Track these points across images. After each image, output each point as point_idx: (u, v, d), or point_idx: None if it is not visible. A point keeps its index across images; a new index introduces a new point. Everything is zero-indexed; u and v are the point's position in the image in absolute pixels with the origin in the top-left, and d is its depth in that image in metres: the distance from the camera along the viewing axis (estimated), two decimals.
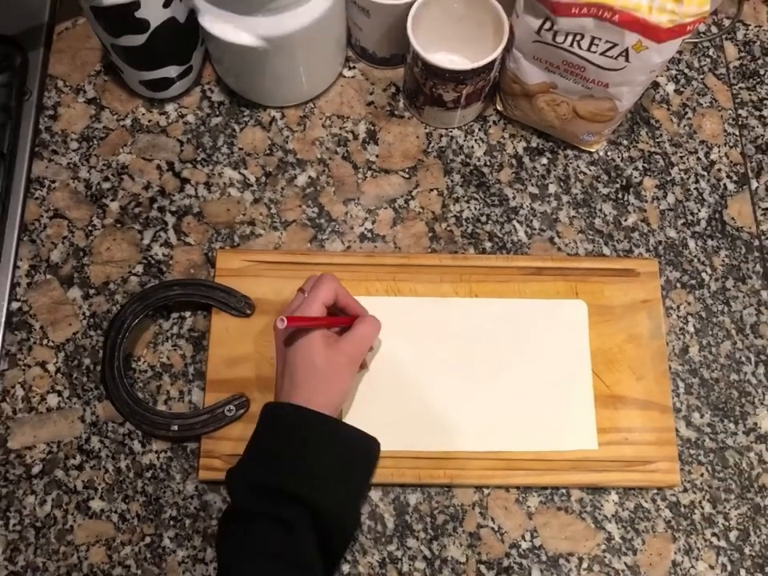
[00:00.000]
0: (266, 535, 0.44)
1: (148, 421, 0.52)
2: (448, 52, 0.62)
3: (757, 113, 0.65)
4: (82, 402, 0.55)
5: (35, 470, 0.53)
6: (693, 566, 0.52)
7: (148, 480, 0.53)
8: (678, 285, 0.59)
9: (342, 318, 0.52)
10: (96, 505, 0.52)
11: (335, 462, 0.47)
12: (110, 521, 0.52)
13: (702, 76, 0.66)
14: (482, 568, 0.52)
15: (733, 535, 0.53)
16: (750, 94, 0.65)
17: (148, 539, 0.52)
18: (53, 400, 0.55)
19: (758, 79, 0.66)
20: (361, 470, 0.49)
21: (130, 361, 0.56)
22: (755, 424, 0.56)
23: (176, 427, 0.52)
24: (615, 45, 0.50)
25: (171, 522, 0.52)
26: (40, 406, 0.54)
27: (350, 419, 0.52)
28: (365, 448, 0.50)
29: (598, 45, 0.51)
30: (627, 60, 0.51)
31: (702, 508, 0.54)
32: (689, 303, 0.59)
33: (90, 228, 0.59)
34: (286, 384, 0.49)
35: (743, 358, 0.57)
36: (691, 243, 0.60)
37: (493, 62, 0.54)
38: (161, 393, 0.55)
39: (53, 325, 0.56)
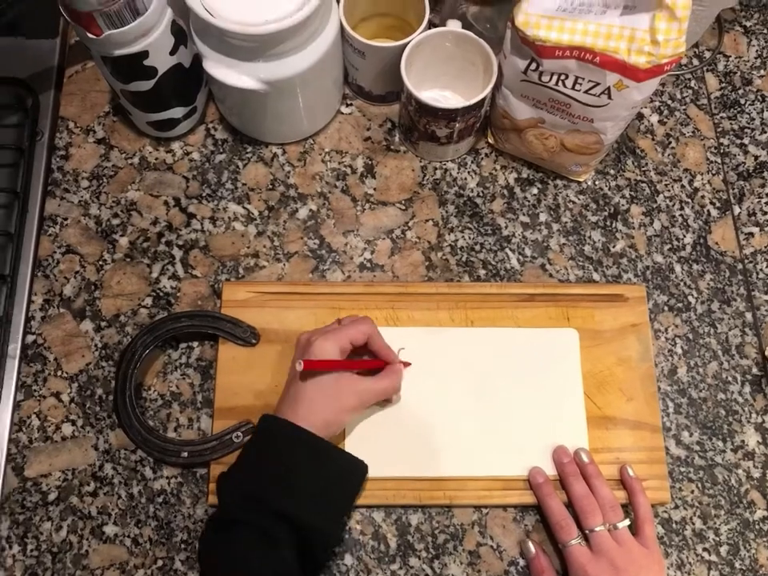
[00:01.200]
0: (250, 545, 0.46)
1: (159, 448, 0.54)
2: (440, 89, 0.65)
3: (738, 141, 0.68)
4: (95, 430, 0.57)
5: (51, 496, 0.55)
6: None
7: (159, 505, 0.55)
8: (666, 308, 0.62)
9: (364, 362, 0.54)
10: (110, 530, 0.54)
11: (325, 482, 0.49)
12: (123, 545, 0.54)
13: (684, 107, 0.68)
14: None
15: (723, 550, 0.55)
16: (731, 123, 0.68)
17: (160, 562, 0.54)
18: (67, 429, 0.57)
19: (739, 108, 0.69)
20: (348, 490, 0.52)
21: (141, 390, 0.58)
22: (742, 441, 0.58)
23: (186, 454, 0.54)
24: (597, 84, 0.53)
25: (182, 545, 0.54)
26: (55, 435, 0.57)
27: (352, 445, 0.55)
28: (353, 470, 0.52)
29: (581, 84, 0.54)
30: (609, 98, 0.54)
31: (693, 524, 0.56)
32: (676, 326, 0.61)
33: (100, 263, 0.62)
34: (290, 397, 0.51)
35: (730, 378, 0.60)
36: (677, 268, 0.63)
37: (483, 100, 0.57)
38: (171, 420, 0.57)
39: (66, 356, 0.59)
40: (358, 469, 0.52)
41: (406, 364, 0.56)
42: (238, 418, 0.55)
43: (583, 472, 0.54)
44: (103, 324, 0.60)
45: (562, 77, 0.54)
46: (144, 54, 0.54)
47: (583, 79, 0.53)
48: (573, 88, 0.54)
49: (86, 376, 0.58)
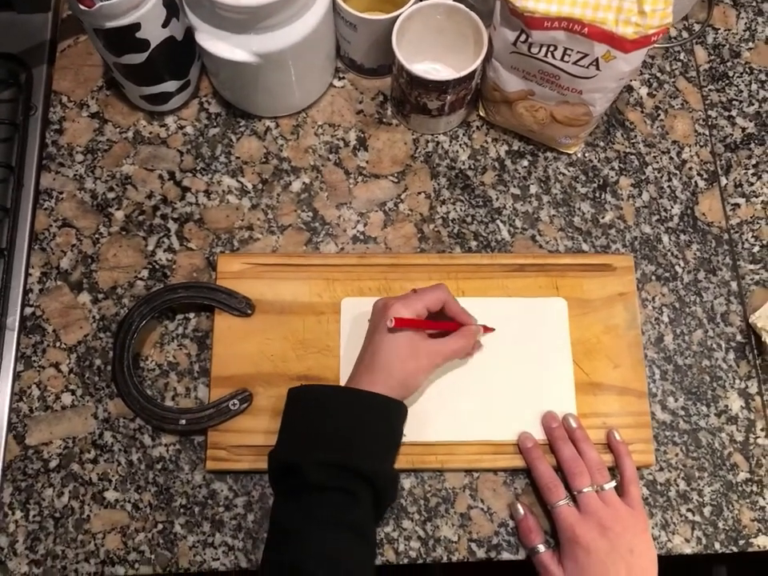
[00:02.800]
0: (339, 506, 0.48)
1: (157, 416, 0.55)
2: (432, 61, 0.65)
3: (726, 113, 0.68)
4: (94, 399, 0.58)
5: (52, 464, 0.56)
6: (669, 540, 0.56)
7: (158, 471, 0.56)
8: (653, 278, 0.63)
9: (447, 324, 0.56)
10: (110, 495, 0.56)
11: (384, 433, 0.51)
12: (124, 510, 0.56)
13: (673, 79, 0.69)
14: (473, 546, 0.56)
15: (707, 510, 0.57)
16: (719, 96, 0.69)
17: (160, 526, 0.55)
18: (67, 399, 0.58)
19: (727, 81, 0.69)
20: (400, 432, 0.54)
21: (139, 360, 0.59)
22: (726, 406, 0.59)
23: (184, 421, 0.55)
24: (586, 55, 0.54)
25: (181, 510, 0.56)
26: (55, 405, 0.58)
27: None
28: (401, 413, 0.53)
29: (570, 55, 0.54)
30: (598, 69, 0.54)
31: (677, 485, 0.57)
32: (663, 295, 0.62)
33: (96, 236, 0.62)
34: (367, 361, 0.53)
35: (714, 345, 0.61)
36: (665, 238, 0.64)
37: (473, 72, 0.58)
38: (168, 390, 0.58)
39: (65, 328, 0.60)
40: (403, 411, 0.53)
41: (488, 329, 0.58)
42: (234, 386, 0.57)
43: (571, 436, 0.55)
44: (100, 296, 0.61)
45: (551, 48, 0.54)
46: (136, 27, 0.54)
47: (572, 50, 0.54)
48: (561, 59, 0.55)
49: (85, 347, 0.59)
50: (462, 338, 0.55)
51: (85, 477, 0.56)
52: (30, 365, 0.59)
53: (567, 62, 0.55)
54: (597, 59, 0.54)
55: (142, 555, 0.55)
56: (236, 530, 0.55)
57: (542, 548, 0.53)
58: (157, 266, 0.62)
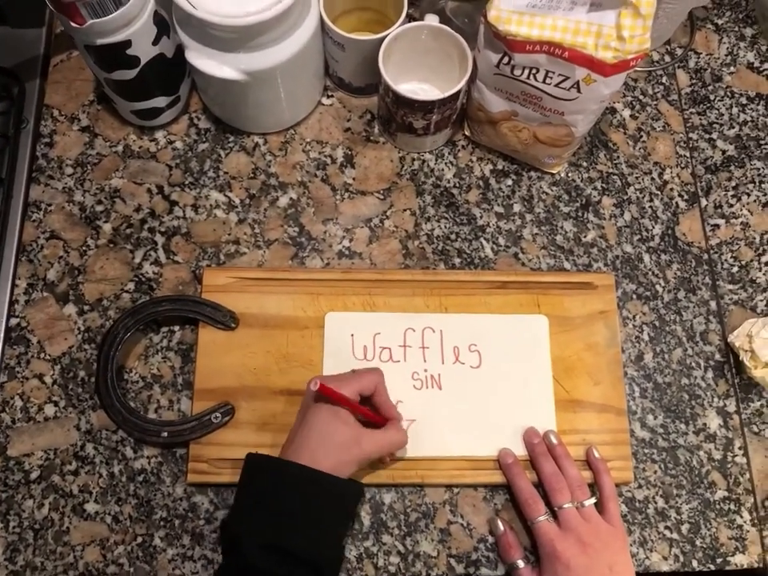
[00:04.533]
0: None
1: (139, 428, 0.56)
2: (418, 81, 0.66)
3: (706, 135, 0.70)
4: (77, 411, 0.58)
5: (33, 475, 0.57)
6: (647, 557, 0.57)
7: (140, 484, 0.57)
8: (634, 296, 0.64)
9: (372, 414, 0.53)
10: (91, 507, 0.56)
11: (339, 518, 0.50)
12: (104, 522, 0.56)
13: (655, 102, 0.71)
14: (452, 561, 0.56)
15: (685, 528, 0.57)
16: (700, 119, 0.70)
17: (140, 539, 0.55)
18: (50, 410, 0.58)
19: (708, 104, 0.71)
20: (353, 513, 0.54)
21: (123, 372, 0.59)
22: (704, 425, 0.60)
23: (166, 434, 0.55)
24: (567, 78, 0.55)
25: (162, 523, 0.56)
26: (38, 416, 0.58)
27: None
28: (357, 496, 0.52)
29: (552, 77, 0.55)
30: (579, 91, 0.56)
31: (656, 503, 0.58)
32: (644, 313, 0.63)
33: (84, 248, 0.63)
34: (297, 441, 0.50)
35: (693, 364, 0.62)
36: (646, 257, 0.65)
37: (458, 93, 0.59)
38: (151, 402, 0.59)
39: (49, 339, 0.60)
40: (359, 492, 0.52)
41: (410, 421, 0.56)
42: (217, 399, 0.57)
43: (552, 453, 0.56)
44: (86, 308, 0.61)
45: (533, 71, 0.55)
46: (127, 44, 0.55)
47: (553, 73, 0.55)
48: (544, 82, 0.56)
49: (69, 358, 0.60)
50: (399, 431, 0.54)
51: (65, 489, 0.56)
52: (14, 375, 0.59)
53: (549, 84, 0.56)
54: (578, 82, 0.55)
55: (121, 568, 0.55)
56: (216, 543, 0.55)
57: (521, 563, 0.53)
58: (143, 279, 0.62)
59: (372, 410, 0.54)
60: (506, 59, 0.56)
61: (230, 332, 0.59)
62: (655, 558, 0.56)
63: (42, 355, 0.60)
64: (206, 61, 0.57)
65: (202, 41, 0.57)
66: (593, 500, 0.54)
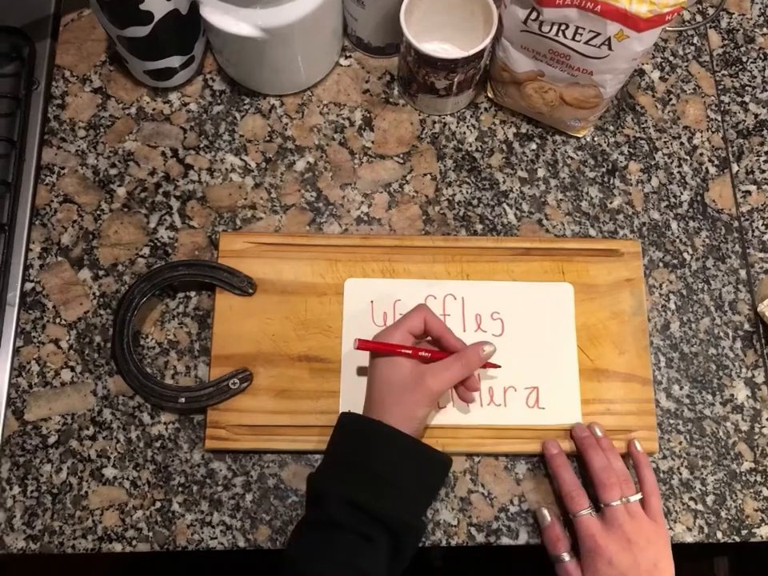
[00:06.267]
0: (351, 548, 0.46)
1: (157, 394, 0.55)
2: (440, 41, 0.64)
3: (738, 99, 0.67)
4: (93, 376, 0.58)
5: (51, 440, 0.56)
6: (671, 528, 0.56)
7: (157, 449, 0.56)
8: (661, 264, 0.62)
9: (433, 350, 0.52)
10: (109, 472, 0.56)
11: (419, 482, 0.49)
12: (122, 487, 0.55)
13: (686, 63, 0.68)
14: (473, 530, 0.55)
15: (710, 499, 0.56)
16: (732, 81, 0.68)
17: (158, 504, 0.55)
18: (66, 375, 0.58)
19: (741, 66, 0.68)
20: (437, 486, 0.53)
21: (139, 338, 0.59)
22: (732, 395, 0.59)
23: (183, 399, 0.55)
24: (598, 34, 0.52)
25: (180, 489, 0.55)
26: (54, 381, 0.57)
27: (346, 393, 0.55)
28: (443, 467, 0.51)
29: (581, 34, 0.53)
30: (610, 49, 0.53)
31: (680, 474, 0.57)
32: (671, 282, 0.61)
33: (98, 212, 0.62)
34: (368, 398, 0.51)
35: (721, 334, 0.60)
36: (674, 225, 0.63)
37: (482, 51, 0.57)
38: (168, 368, 0.58)
39: (65, 304, 0.59)
40: (446, 465, 0.52)
41: (489, 365, 0.54)
42: (235, 365, 0.56)
43: (599, 445, 0.54)
44: (101, 273, 0.60)
45: (563, 27, 0.53)
46: None
47: (584, 29, 0.53)
48: (573, 39, 0.54)
49: (85, 323, 0.59)
50: (460, 359, 0.51)
51: (83, 453, 0.56)
52: (30, 340, 0.58)
53: (578, 41, 0.54)
54: (609, 39, 0.52)
55: (140, 533, 0.54)
56: (234, 509, 0.55)
57: (566, 557, 0.51)
58: (158, 244, 0.61)
59: (436, 347, 0.52)
60: (534, 15, 0.53)
61: (248, 298, 0.58)
62: (679, 529, 0.56)
63: (58, 320, 0.59)
64: (221, 16, 0.55)
65: None
66: (638, 496, 0.52)
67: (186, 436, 0.56)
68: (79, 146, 0.64)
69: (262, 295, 0.58)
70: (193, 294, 0.60)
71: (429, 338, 0.54)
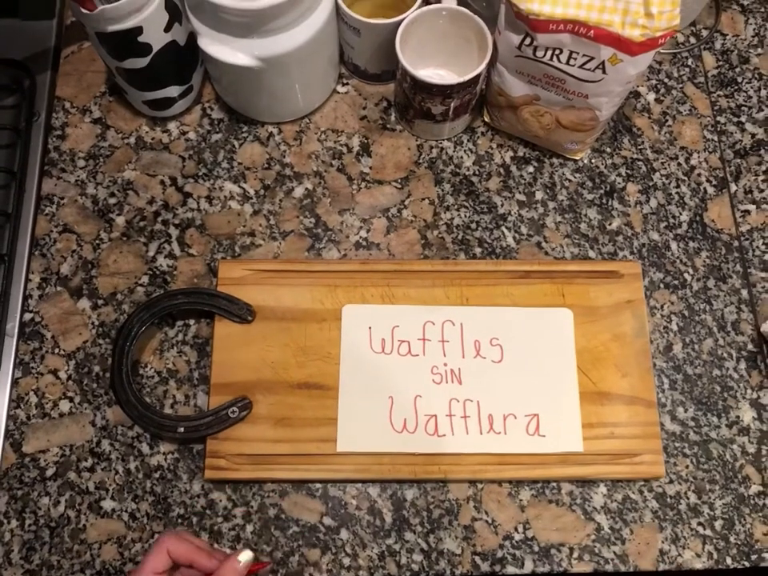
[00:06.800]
0: None
1: (155, 423, 0.54)
2: (435, 67, 0.65)
3: (735, 119, 0.67)
4: (92, 407, 0.57)
5: (49, 472, 0.56)
6: (680, 554, 0.55)
7: (156, 480, 0.55)
8: (662, 285, 0.62)
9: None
10: (107, 505, 0.55)
11: None
12: (120, 519, 0.55)
13: (681, 85, 0.68)
14: (477, 559, 0.54)
15: (718, 524, 0.55)
16: (728, 101, 0.68)
17: (157, 536, 0.54)
18: (65, 406, 0.57)
19: (736, 87, 0.69)
20: None
21: (138, 367, 0.58)
22: (737, 417, 0.58)
23: (182, 429, 0.54)
24: (592, 58, 0.53)
25: (179, 520, 0.55)
26: (53, 412, 0.57)
27: (345, 421, 0.55)
28: None
29: (576, 59, 0.53)
30: (604, 72, 0.54)
31: (688, 498, 0.56)
32: (672, 303, 0.61)
33: (97, 242, 0.62)
34: None
35: (725, 354, 0.60)
36: (673, 245, 0.63)
37: (478, 77, 0.57)
38: (167, 397, 0.57)
39: (63, 334, 0.59)
40: None
41: (255, 568, 0.47)
42: (234, 393, 0.56)
43: None
44: (100, 302, 0.60)
45: (557, 52, 0.54)
46: (138, 30, 0.53)
47: (577, 54, 0.53)
48: (567, 63, 0.54)
49: (83, 353, 0.59)
50: None
51: (82, 485, 0.55)
52: (29, 371, 0.58)
53: (573, 65, 0.54)
54: (603, 62, 0.53)
55: None
56: (234, 540, 0.54)
57: None
58: (157, 272, 0.61)
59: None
60: (528, 40, 0.54)
61: (247, 325, 0.58)
62: (688, 556, 0.55)
63: (57, 350, 0.59)
64: (219, 47, 0.55)
65: (215, 27, 0.55)
66: None
67: (185, 466, 0.56)
68: (79, 176, 0.64)
69: (261, 322, 0.58)
70: (192, 321, 0.60)
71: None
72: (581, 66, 0.54)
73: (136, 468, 0.56)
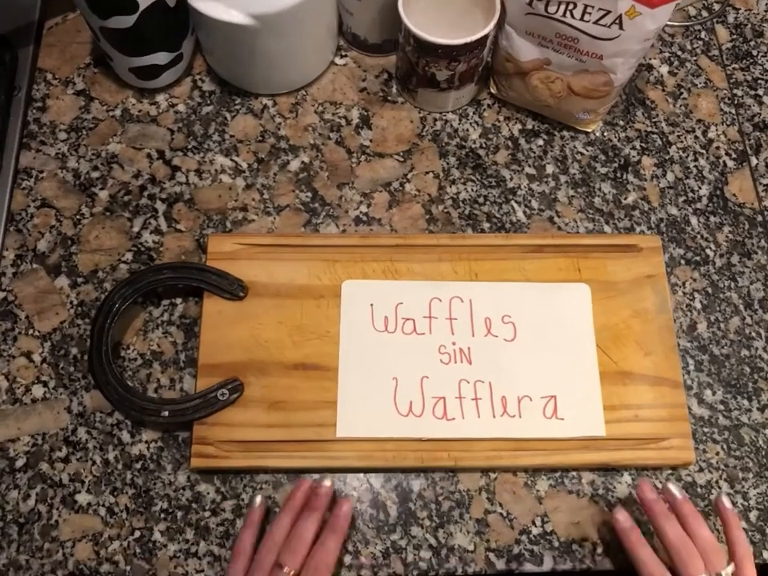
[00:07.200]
0: None
1: (137, 407, 0.50)
2: (440, 36, 0.61)
3: (752, 92, 0.64)
4: (68, 392, 0.52)
5: (19, 463, 0.50)
6: None
7: (137, 471, 0.50)
8: (683, 261, 0.58)
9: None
10: (82, 498, 0.50)
11: None
12: (97, 515, 0.49)
13: (695, 58, 0.65)
14: (492, 556, 0.49)
15: (753, 515, 0.51)
16: (744, 74, 0.65)
17: (137, 533, 0.49)
18: (38, 391, 0.52)
19: (752, 60, 0.66)
20: None
21: (119, 349, 0.54)
22: None
23: (167, 413, 0.49)
24: (608, 12, 0.50)
25: (162, 515, 0.49)
26: (24, 398, 0.52)
27: (344, 405, 0.50)
28: None
29: (590, 13, 0.50)
30: (621, 28, 0.50)
31: (720, 488, 0.51)
32: (694, 280, 0.57)
33: (78, 217, 0.58)
34: None
35: (753, 334, 0.55)
36: (693, 220, 0.59)
37: (485, 37, 0.54)
38: (151, 381, 0.53)
39: (39, 314, 0.54)
40: None
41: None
42: (224, 375, 0.51)
43: (677, 511, 0.46)
44: (80, 280, 0.56)
45: (570, 6, 0.50)
46: None
47: (592, 7, 0.50)
48: (581, 18, 0.51)
49: (60, 335, 0.54)
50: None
51: (54, 477, 0.50)
52: None
53: (587, 21, 0.51)
54: (620, 16, 0.50)
55: (116, 566, 0.48)
56: (223, 537, 0.49)
57: None
58: (142, 249, 0.57)
59: None
60: None
61: (238, 302, 0.53)
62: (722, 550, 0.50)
63: (31, 331, 0.54)
64: (211, 3, 0.52)
65: None
66: (731, 568, 0.43)
67: (169, 456, 0.51)
68: (60, 149, 0.60)
69: (253, 299, 0.53)
70: (179, 300, 0.55)
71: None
72: (596, 22, 0.51)
73: (115, 458, 0.51)
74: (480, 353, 0.53)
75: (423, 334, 0.53)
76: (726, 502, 0.47)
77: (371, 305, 0.53)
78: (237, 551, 0.45)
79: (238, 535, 0.46)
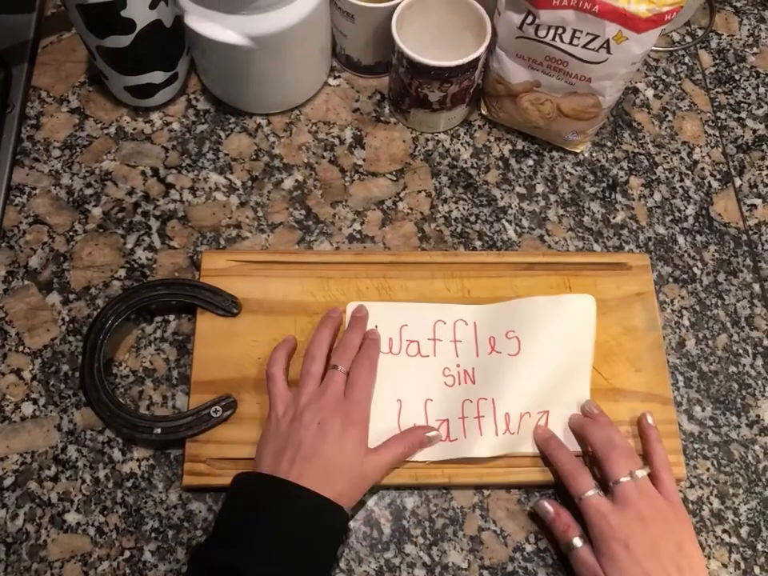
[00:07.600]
0: None
1: (129, 424, 0.49)
2: (432, 58, 0.62)
3: (735, 115, 0.66)
4: (58, 409, 0.52)
5: (7, 482, 0.50)
6: (706, 565, 0.50)
7: (128, 490, 0.50)
8: (671, 279, 0.59)
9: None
10: (72, 518, 0.49)
11: (294, 536, 0.43)
12: (86, 534, 0.49)
13: (679, 82, 0.67)
14: (486, 574, 0.49)
15: (744, 531, 0.51)
16: (727, 98, 0.67)
17: (127, 553, 0.48)
18: (27, 408, 0.52)
19: (734, 84, 0.68)
20: (323, 544, 0.45)
21: (111, 366, 0.53)
22: (758, 416, 0.54)
23: (159, 430, 0.49)
24: (596, 37, 0.51)
25: (153, 535, 0.49)
26: (14, 415, 0.51)
27: None
28: (332, 522, 0.45)
29: (579, 38, 0.52)
30: (609, 52, 0.52)
31: (711, 503, 0.52)
32: (682, 297, 0.58)
33: (71, 233, 0.58)
34: (301, 454, 0.45)
35: (740, 351, 0.56)
36: (680, 239, 0.60)
37: (477, 59, 0.55)
38: (143, 398, 0.52)
39: (29, 331, 0.54)
40: (337, 520, 0.46)
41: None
42: (217, 392, 0.51)
43: (597, 421, 0.50)
44: (72, 297, 0.55)
45: (559, 30, 0.52)
46: (121, 3, 0.51)
47: (581, 32, 0.51)
48: (570, 43, 0.52)
49: (51, 351, 0.53)
50: (400, 442, 0.49)
51: (43, 497, 0.49)
52: None
53: (576, 45, 0.52)
54: (608, 41, 0.51)
55: None
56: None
57: (578, 542, 0.46)
58: (135, 266, 0.57)
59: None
60: (530, 19, 0.52)
61: (232, 319, 0.53)
62: (714, 566, 0.50)
63: (21, 348, 0.53)
64: (207, 24, 0.53)
65: (203, 3, 0.53)
66: (646, 470, 0.47)
67: (161, 474, 0.50)
68: (53, 166, 0.60)
69: (247, 316, 0.53)
70: (172, 317, 0.55)
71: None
72: (584, 46, 0.52)
73: (105, 476, 0.50)
74: (484, 371, 0.52)
75: (428, 356, 0.53)
76: (649, 419, 0.51)
77: (375, 326, 0.53)
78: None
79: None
